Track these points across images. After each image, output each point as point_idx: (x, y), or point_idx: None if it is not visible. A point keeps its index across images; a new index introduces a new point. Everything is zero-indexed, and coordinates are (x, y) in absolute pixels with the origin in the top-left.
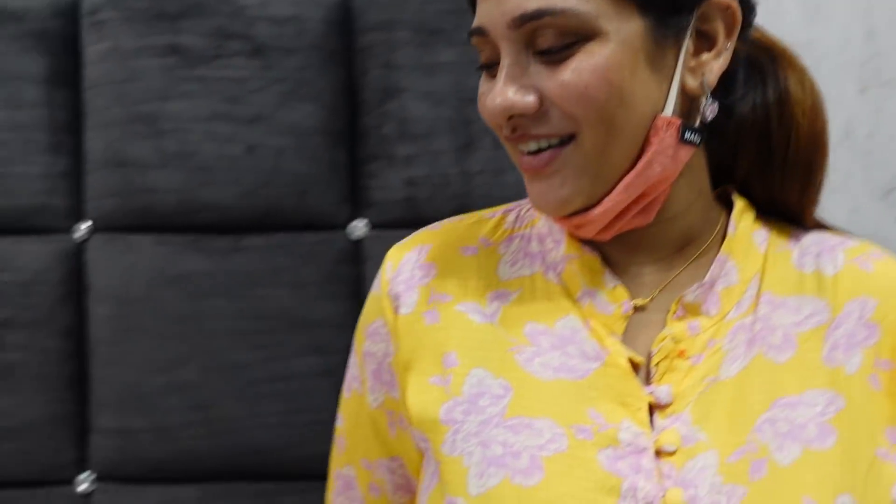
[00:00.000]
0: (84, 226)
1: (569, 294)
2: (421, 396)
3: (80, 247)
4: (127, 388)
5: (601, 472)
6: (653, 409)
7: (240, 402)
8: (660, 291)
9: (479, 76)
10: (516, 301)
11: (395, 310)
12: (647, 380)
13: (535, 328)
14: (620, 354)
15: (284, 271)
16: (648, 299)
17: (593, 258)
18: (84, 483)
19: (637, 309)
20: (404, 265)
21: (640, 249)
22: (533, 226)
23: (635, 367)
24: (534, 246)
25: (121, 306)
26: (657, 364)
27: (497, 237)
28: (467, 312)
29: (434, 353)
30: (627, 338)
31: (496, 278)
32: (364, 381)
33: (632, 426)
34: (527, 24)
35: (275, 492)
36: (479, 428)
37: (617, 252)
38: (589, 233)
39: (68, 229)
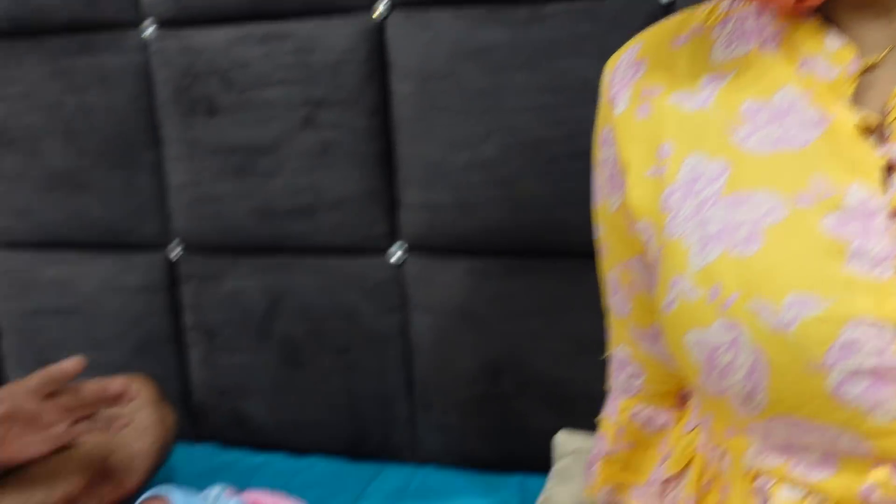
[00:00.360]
0: (383, 3)
1: (788, 64)
2: (639, 190)
3: (381, 25)
4: (431, 164)
5: (823, 238)
6: (891, 170)
7: (541, 179)
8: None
9: None
10: (732, 81)
11: (614, 112)
12: (884, 141)
13: (752, 105)
14: (847, 118)
15: (588, 40)
16: (881, 55)
17: (812, 22)
18: (396, 253)
19: (868, 69)
20: (619, 68)
21: (866, 4)
22: (750, 4)
23: (869, 129)
24: (750, 23)
25: (422, 83)
26: (893, 121)
27: (711, 22)
28: (679, 102)
29: (649, 147)
30: (858, 100)
31: (709, 63)
32: (603, 188)
33: (861, 190)
34: None
35: (577, 268)
36: (696, 209)
37: (840, 12)
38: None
39: (368, 7)
